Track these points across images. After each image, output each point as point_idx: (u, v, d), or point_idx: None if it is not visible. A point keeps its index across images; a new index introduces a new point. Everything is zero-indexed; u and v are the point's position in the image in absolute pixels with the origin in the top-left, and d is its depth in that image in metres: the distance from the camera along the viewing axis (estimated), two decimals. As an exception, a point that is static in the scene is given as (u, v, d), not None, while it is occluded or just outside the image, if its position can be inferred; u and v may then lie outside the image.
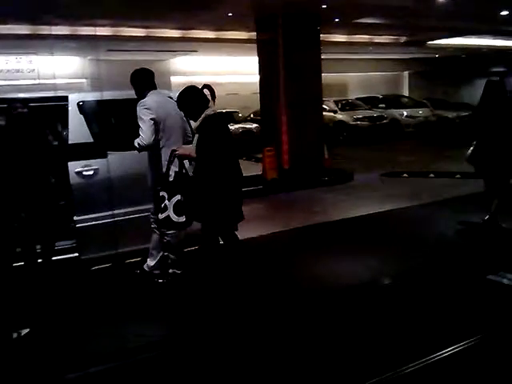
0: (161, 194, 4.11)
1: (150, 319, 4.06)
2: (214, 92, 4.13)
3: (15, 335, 3.74)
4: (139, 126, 4.34)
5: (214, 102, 4.13)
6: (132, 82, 4.61)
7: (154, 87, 4.58)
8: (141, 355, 3.47)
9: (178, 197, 4.02)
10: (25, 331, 3.79)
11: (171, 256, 4.63)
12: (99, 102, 5.03)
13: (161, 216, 4.09)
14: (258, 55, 10.96)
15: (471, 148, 6.18)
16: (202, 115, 3.94)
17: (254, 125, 15.79)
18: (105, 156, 4.81)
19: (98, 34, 11.38)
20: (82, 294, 4.57)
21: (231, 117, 16.08)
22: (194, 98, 4.04)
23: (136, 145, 4.34)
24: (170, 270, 4.67)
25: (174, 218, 4.02)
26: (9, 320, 3.81)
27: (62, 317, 4.10)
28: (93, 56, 15.53)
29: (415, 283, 4.58)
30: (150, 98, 4.48)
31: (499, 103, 5.72)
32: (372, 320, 3.89)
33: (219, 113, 4.14)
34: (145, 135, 4.30)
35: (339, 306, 4.16)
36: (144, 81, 4.59)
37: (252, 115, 17.40)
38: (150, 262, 4.73)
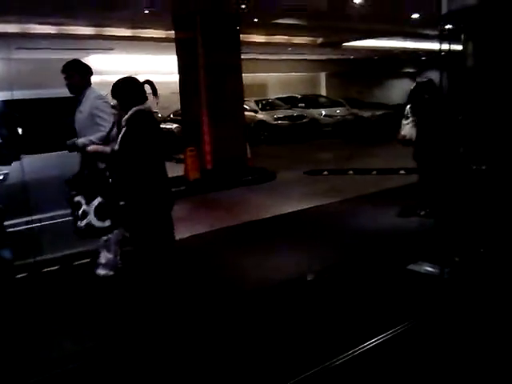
0: (76, 199, 3.82)
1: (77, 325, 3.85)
2: (155, 89, 3.85)
3: None
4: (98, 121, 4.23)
5: (157, 98, 3.86)
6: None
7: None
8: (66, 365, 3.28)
9: (99, 199, 3.78)
10: None
11: (108, 255, 4.44)
12: (8, 102, 4.71)
13: (81, 224, 3.79)
14: (177, 54, 10.79)
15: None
16: (134, 108, 3.68)
17: (175, 125, 15.54)
18: (17, 159, 4.50)
19: (5, 31, 10.72)
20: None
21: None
22: (131, 89, 3.76)
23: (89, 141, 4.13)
24: (101, 271, 4.48)
25: (98, 223, 3.76)
26: None
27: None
28: (1, 54, 14.63)
29: (339, 277, 4.68)
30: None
31: (433, 102, 6.03)
32: (298, 315, 3.92)
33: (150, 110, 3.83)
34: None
35: (266, 303, 4.15)
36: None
37: (172, 115, 17.14)
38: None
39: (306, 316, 3.90)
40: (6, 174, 4.46)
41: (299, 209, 7.47)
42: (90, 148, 3.97)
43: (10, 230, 4.32)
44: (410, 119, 6.35)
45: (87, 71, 4.60)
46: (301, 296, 4.31)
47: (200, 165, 9.95)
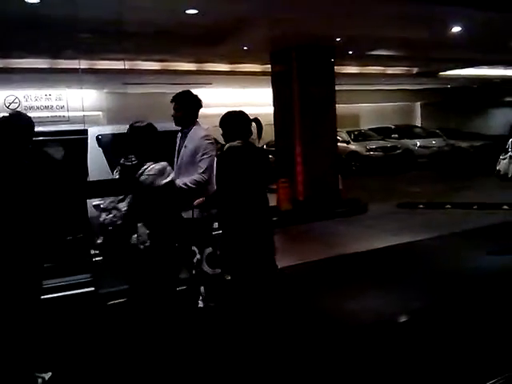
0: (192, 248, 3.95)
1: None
2: (261, 128, 3.87)
3: (40, 381, 3.50)
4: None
5: (260, 138, 3.89)
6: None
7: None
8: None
9: (210, 249, 3.86)
10: (48, 375, 3.58)
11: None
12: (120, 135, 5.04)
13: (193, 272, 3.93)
14: (272, 87, 11.08)
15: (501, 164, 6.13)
16: (227, 145, 3.70)
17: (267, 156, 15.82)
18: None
19: (114, 67, 11.57)
20: (100, 330, 4.49)
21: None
22: (237, 123, 3.79)
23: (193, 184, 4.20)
24: (201, 304, 4.47)
25: (210, 271, 3.87)
26: (33, 363, 3.55)
27: (82, 356, 4.02)
28: (109, 89, 15.80)
29: (440, 319, 4.46)
30: None
31: None
32: (390, 358, 3.77)
33: (248, 145, 3.78)
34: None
35: (363, 342, 4.05)
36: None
37: (265, 146, 17.47)
38: None
39: (395, 361, 3.74)
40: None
41: (391, 244, 7.25)
42: (196, 202, 4.04)
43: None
44: (510, 154, 6.04)
45: (196, 104, 4.48)
46: (392, 339, 4.14)
47: (292, 195, 10.02)
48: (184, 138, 4.50)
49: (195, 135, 4.40)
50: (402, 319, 4.61)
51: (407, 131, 20.05)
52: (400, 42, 10.80)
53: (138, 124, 3.82)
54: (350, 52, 11.92)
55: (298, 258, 6.70)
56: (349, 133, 18.19)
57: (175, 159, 4.52)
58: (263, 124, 3.96)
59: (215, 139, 4.65)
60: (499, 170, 6.14)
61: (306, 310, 4.84)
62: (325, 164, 10.34)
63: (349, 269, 6.30)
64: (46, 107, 14.58)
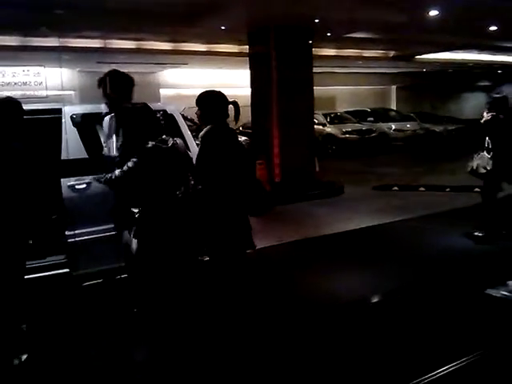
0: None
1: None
2: (239, 111, 3.84)
3: (16, 362, 3.52)
4: None
5: (237, 121, 3.87)
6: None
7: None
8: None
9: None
10: (24, 356, 3.59)
11: None
12: (94, 115, 4.95)
13: None
14: (250, 68, 10.99)
15: (475, 161, 6.21)
16: (209, 126, 3.66)
17: (243, 138, 15.74)
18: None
19: (88, 46, 11.34)
20: (76, 312, 4.47)
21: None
22: (215, 104, 3.74)
23: None
24: None
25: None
26: (11, 344, 3.58)
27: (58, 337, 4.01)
28: (82, 68, 15.49)
29: (409, 299, 4.56)
30: None
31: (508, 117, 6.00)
32: (363, 338, 3.85)
33: (226, 127, 3.75)
34: None
35: (332, 322, 4.12)
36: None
37: (241, 128, 17.40)
38: None
39: (372, 339, 3.82)
40: (88, 184, 4.69)
41: (366, 225, 7.36)
42: None
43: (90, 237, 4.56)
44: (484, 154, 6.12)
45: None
46: (367, 318, 4.23)
47: (268, 178, 10.02)
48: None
49: None
50: (375, 299, 4.71)
51: (383, 114, 20.22)
52: (378, 24, 10.84)
53: (138, 105, 3.82)
54: (329, 34, 11.88)
55: (274, 239, 6.76)
56: (325, 115, 18.23)
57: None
58: (240, 106, 3.93)
59: (192, 119, 4.60)
60: (471, 166, 6.24)
61: (281, 290, 4.90)
62: (301, 146, 10.35)
63: (324, 249, 6.38)
64: (24, 83, 14.15)
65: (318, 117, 17.24)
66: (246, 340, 3.72)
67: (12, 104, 3.77)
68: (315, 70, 11.04)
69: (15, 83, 12.84)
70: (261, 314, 4.13)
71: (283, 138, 10.20)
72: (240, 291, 3.82)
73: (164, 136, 3.71)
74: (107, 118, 4.21)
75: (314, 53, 10.96)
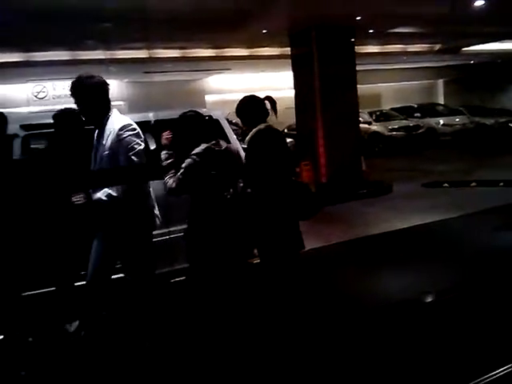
0: None
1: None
2: (275, 104, 3.90)
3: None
4: None
5: (276, 115, 3.91)
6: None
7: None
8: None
9: None
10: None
11: None
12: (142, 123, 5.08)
13: None
14: (293, 70, 11.03)
15: None
16: (255, 129, 3.74)
17: (289, 140, 15.77)
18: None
19: (134, 56, 11.66)
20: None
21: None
22: (252, 107, 3.83)
23: None
24: None
25: None
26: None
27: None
28: (130, 79, 15.92)
29: (462, 299, 4.45)
30: None
31: None
32: (419, 338, 3.79)
33: (272, 128, 3.81)
34: None
35: (386, 323, 4.08)
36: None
37: (286, 130, 17.43)
38: None
39: (427, 339, 3.76)
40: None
41: (417, 224, 7.22)
42: None
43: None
44: None
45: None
46: (424, 317, 4.15)
47: (314, 178, 10.01)
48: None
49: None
50: (431, 298, 4.62)
51: (430, 110, 19.78)
52: (421, 17, 10.62)
53: (190, 113, 3.88)
54: (371, 31, 11.75)
55: (323, 239, 6.74)
56: (370, 113, 18.01)
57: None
58: (283, 108, 3.98)
59: (236, 123, 4.62)
60: None
61: (332, 290, 4.89)
62: (347, 146, 10.28)
63: (374, 249, 6.32)
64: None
65: (364, 115, 17.04)
66: (300, 340, 3.74)
67: (72, 115, 3.97)
68: (358, 67, 10.95)
69: (65, 95, 13.33)
70: (314, 315, 4.14)
71: (328, 137, 10.16)
72: (292, 292, 3.85)
73: (218, 140, 3.79)
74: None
75: (356, 50, 10.88)
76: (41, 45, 10.35)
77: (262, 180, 3.68)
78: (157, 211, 3.77)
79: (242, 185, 3.82)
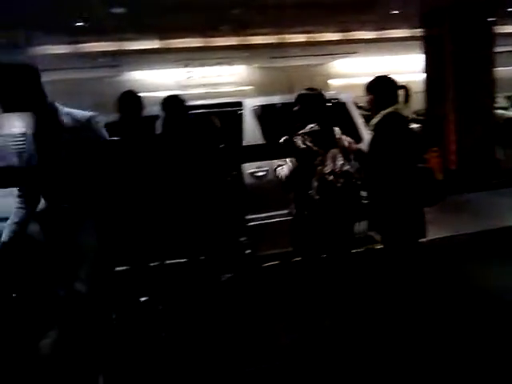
0: None
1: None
2: (408, 96, 3.78)
3: None
4: None
5: (407, 106, 3.80)
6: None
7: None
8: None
9: None
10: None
11: None
12: (270, 106, 5.28)
13: None
14: (424, 52, 10.58)
15: None
16: (383, 111, 3.63)
17: (416, 125, 15.17)
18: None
19: (262, 42, 11.93)
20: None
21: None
22: (387, 88, 3.74)
23: None
24: None
25: None
26: None
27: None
28: (258, 64, 16.33)
29: None
30: None
31: None
32: None
33: (400, 113, 3.69)
34: None
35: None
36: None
37: (414, 115, 16.75)
38: None
39: None
40: (267, 171, 5.02)
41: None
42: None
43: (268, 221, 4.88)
44: None
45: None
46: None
47: (443, 165, 9.58)
48: None
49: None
50: None
51: None
52: None
53: (313, 92, 3.95)
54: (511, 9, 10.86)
55: (449, 229, 6.46)
56: (508, 98, 16.63)
57: None
58: (411, 92, 3.84)
59: (361, 107, 4.58)
60: None
61: (458, 281, 4.71)
62: (480, 132, 9.68)
63: (507, 243, 5.93)
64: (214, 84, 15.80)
65: (500, 100, 15.82)
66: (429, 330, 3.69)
67: (177, 100, 4.32)
68: (497, 49, 10.19)
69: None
70: (439, 304, 4.04)
71: (460, 123, 9.66)
72: (414, 280, 3.78)
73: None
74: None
75: (495, 31, 10.12)
76: (174, 33, 11.00)
77: (387, 165, 3.62)
78: None
79: (351, 170, 3.78)
